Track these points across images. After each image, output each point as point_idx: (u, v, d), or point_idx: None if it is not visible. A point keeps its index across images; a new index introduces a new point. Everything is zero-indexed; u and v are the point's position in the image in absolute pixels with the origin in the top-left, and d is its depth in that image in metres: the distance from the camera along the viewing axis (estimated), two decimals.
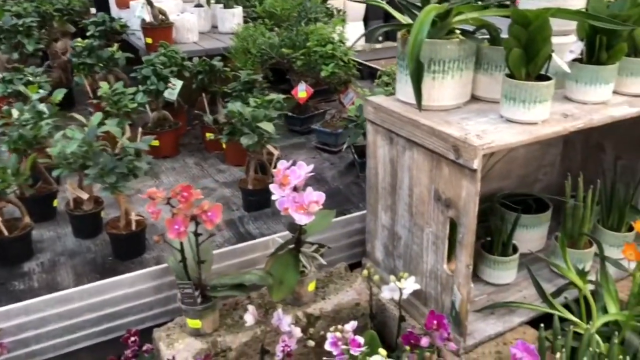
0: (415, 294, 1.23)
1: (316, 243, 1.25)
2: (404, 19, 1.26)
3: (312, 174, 1.19)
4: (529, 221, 1.48)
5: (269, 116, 1.64)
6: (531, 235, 1.49)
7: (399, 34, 1.23)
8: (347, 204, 1.72)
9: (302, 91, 2.25)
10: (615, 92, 1.30)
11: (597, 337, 1.07)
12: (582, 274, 1.23)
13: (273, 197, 1.14)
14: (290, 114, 2.30)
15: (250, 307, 1.12)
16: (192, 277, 1.13)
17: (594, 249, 1.41)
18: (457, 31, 1.21)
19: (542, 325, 1.11)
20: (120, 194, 1.39)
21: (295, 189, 1.17)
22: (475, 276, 1.42)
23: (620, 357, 1.02)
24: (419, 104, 1.14)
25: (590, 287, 1.24)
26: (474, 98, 1.29)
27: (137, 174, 1.37)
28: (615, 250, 1.47)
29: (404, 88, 1.23)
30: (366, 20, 5.78)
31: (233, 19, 2.80)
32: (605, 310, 1.25)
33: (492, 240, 1.39)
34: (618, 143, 1.55)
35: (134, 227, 1.46)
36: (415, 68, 1.09)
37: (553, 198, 1.57)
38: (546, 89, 1.10)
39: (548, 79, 1.13)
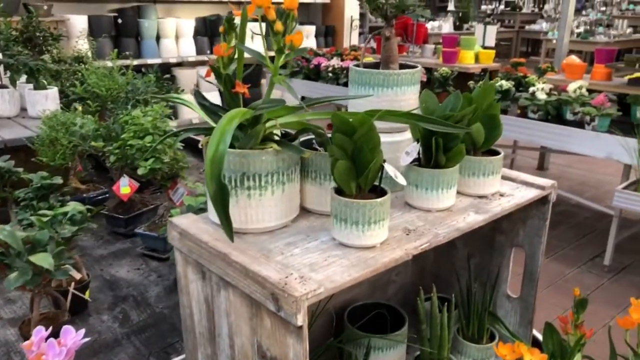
0: None
1: None
2: (212, 120, 1.01)
3: (85, 340, 0.85)
4: (384, 343, 1.27)
5: (61, 235, 1.28)
6: (388, 358, 1.28)
7: (202, 142, 0.98)
8: (173, 336, 1.38)
9: (124, 186, 1.90)
10: (459, 193, 1.17)
11: None
12: None
13: None
14: (111, 213, 1.93)
15: None
16: None
17: None
18: (277, 137, 0.99)
19: None
20: None
21: None
22: None
23: None
24: (228, 235, 0.87)
25: None
26: (305, 210, 1.07)
27: None
28: None
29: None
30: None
31: (46, 101, 2.40)
32: None
33: None
34: (468, 240, 1.42)
35: None
36: (218, 190, 0.83)
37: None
38: (381, 206, 0.90)
39: (383, 192, 0.94)
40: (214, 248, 0.91)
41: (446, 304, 1.20)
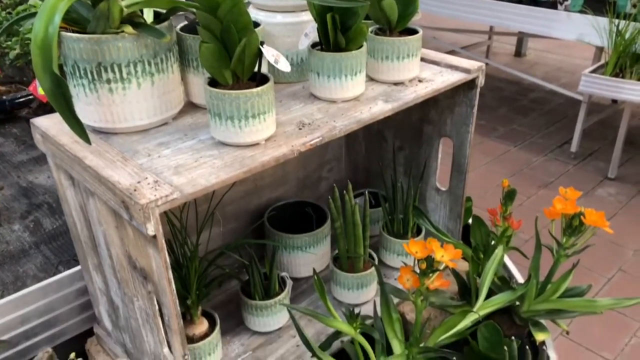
0: None
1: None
2: None
3: None
4: (304, 242, 1.21)
5: None
6: (310, 256, 1.22)
7: None
8: None
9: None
10: (373, 80, 1.04)
11: None
12: (351, 318, 0.98)
13: None
14: (32, 116, 1.79)
15: None
16: None
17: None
18: (144, 20, 0.84)
19: None
20: None
21: None
22: (242, 324, 1.13)
23: None
24: (81, 136, 0.76)
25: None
26: (193, 105, 0.95)
27: None
28: (405, 259, 1.26)
29: (78, 104, 0.84)
30: None
31: None
32: (390, 350, 1.03)
33: (250, 280, 1.09)
34: (398, 131, 1.32)
35: None
36: (54, 85, 0.70)
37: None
38: (259, 97, 0.78)
39: (265, 80, 0.81)
40: (70, 151, 0.80)
41: (356, 202, 1.12)
